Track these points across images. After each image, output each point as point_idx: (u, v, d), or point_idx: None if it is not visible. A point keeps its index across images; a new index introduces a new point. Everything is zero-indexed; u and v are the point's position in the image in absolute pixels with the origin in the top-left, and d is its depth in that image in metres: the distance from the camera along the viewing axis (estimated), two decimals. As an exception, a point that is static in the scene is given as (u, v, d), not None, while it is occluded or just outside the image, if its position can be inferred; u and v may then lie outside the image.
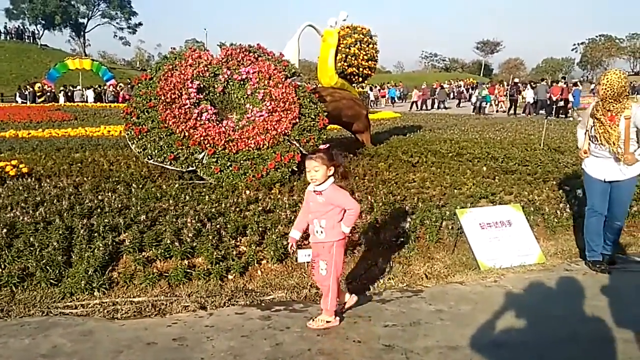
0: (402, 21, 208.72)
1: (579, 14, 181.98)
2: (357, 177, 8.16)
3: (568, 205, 6.86)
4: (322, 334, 3.97)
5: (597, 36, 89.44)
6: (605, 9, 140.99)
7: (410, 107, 37.95)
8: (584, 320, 4.31)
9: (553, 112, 27.68)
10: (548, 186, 7.81)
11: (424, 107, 38.20)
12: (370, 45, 11.07)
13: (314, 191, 3.97)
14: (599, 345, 3.92)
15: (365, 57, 10.97)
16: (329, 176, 3.91)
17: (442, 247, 5.84)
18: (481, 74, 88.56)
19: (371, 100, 40.82)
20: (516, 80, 37.96)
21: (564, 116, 27.62)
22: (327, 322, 4.09)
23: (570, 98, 28.73)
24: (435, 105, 38.57)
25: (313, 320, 4.10)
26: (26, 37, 69.89)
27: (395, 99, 46.94)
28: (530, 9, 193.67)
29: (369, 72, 11.44)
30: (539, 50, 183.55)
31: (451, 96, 44.60)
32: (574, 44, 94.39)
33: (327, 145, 3.97)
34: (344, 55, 10.76)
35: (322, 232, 4.01)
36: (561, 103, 28.64)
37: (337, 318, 4.16)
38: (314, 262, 4.16)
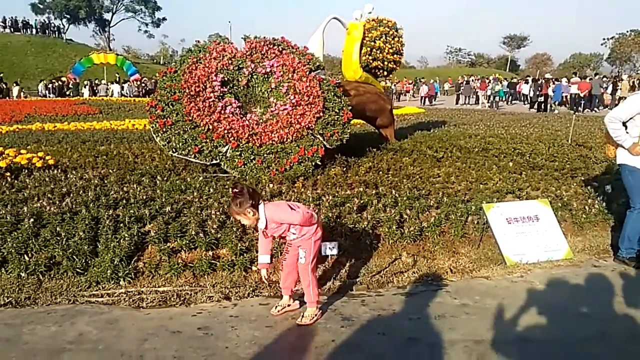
0: (428, 15, 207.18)
1: (609, 7, 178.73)
2: (380, 172, 8.12)
3: (597, 201, 6.74)
4: (347, 326, 3.96)
5: (627, 31, 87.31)
6: (637, 2, 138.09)
7: (422, 102, 37.90)
8: (613, 318, 4.23)
9: (581, 107, 27.52)
10: (576, 182, 7.69)
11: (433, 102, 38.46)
12: (396, 39, 10.95)
13: (262, 230, 3.95)
14: (628, 343, 3.84)
15: (391, 51, 10.85)
16: (256, 211, 3.81)
17: (467, 241, 5.77)
18: (507, 69, 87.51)
19: (394, 93, 40.72)
20: (548, 76, 37.52)
21: (544, 111, 28.13)
22: (315, 314, 4.06)
23: (550, 93, 29.10)
24: (461, 101, 38.26)
25: (302, 317, 4.04)
26: (50, 31, 70.56)
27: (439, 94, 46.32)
28: (558, 2, 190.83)
29: (394, 66, 11.32)
30: (566, 45, 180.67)
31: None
32: (603, 39, 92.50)
33: (234, 191, 3.83)
34: (369, 49, 10.66)
35: (297, 237, 3.99)
36: (541, 98, 29.44)
37: (320, 311, 4.15)
38: (287, 252, 4.12)
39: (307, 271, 4.01)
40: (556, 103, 28.98)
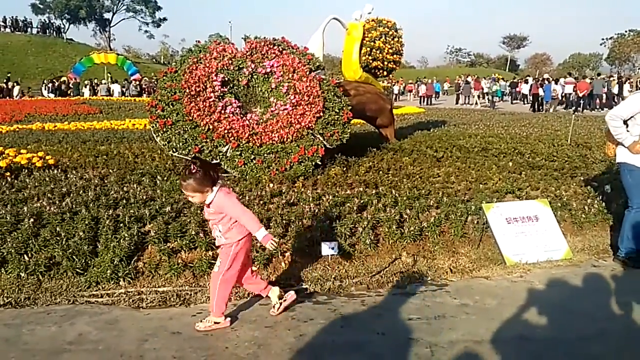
0: (427, 15, 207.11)
1: (608, 7, 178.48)
2: (380, 172, 8.12)
3: (596, 201, 6.73)
4: (346, 326, 3.96)
5: (626, 31, 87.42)
6: (636, 3, 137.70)
7: (421, 102, 38.21)
8: (612, 317, 4.23)
9: (580, 107, 27.64)
10: (575, 182, 7.69)
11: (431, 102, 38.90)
12: (396, 39, 10.96)
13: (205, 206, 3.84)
14: (627, 342, 3.85)
15: (390, 51, 10.86)
16: (210, 191, 3.73)
17: (467, 241, 5.77)
18: (507, 69, 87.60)
19: (395, 94, 40.91)
20: (546, 75, 37.65)
21: (540, 110, 28.63)
22: (216, 322, 3.92)
23: (541, 92, 29.53)
24: (461, 101, 38.33)
25: (202, 321, 3.93)
26: (51, 31, 70.51)
27: (440, 93, 46.50)
28: (558, 3, 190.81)
29: (394, 66, 11.33)
30: (566, 46, 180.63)
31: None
32: (602, 39, 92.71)
33: (196, 168, 3.66)
34: (368, 49, 10.67)
35: (220, 236, 3.88)
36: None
37: (228, 320, 3.98)
38: None
39: (217, 281, 3.87)
40: (549, 103, 29.19)
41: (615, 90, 29.69)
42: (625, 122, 5.26)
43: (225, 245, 3.86)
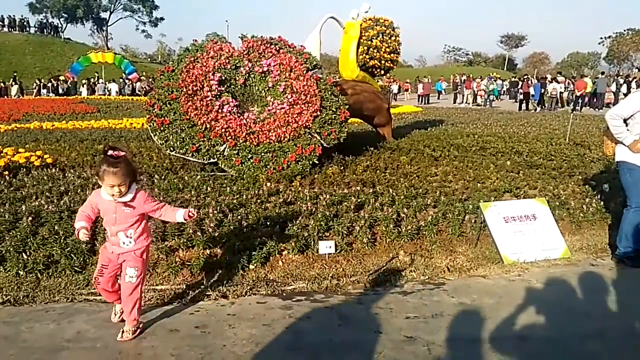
0: (425, 14, 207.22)
1: (607, 6, 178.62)
2: (378, 171, 8.12)
3: (594, 200, 6.75)
4: (344, 325, 3.96)
5: (624, 30, 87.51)
6: (634, 2, 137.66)
7: (418, 101, 38.18)
8: (610, 316, 4.24)
9: (579, 106, 27.75)
10: (573, 181, 7.71)
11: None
12: (393, 38, 10.97)
13: (121, 202, 3.52)
14: (625, 341, 3.85)
15: (388, 50, 10.87)
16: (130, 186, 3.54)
17: (464, 240, 5.78)
18: (505, 68, 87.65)
19: (394, 94, 40.97)
20: (548, 77, 37.69)
21: (526, 109, 29.03)
22: (137, 329, 3.76)
23: (532, 91, 29.91)
24: (458, 100, 38.36)
25: (122, 333, 3.69)
26: (48, 30, 70.33)
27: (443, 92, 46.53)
28: (556, 2, 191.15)
29: (391, 65, 11.35)
30: (564, 44, 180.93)
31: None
32: (601, 38, 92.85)
33: (120, 150, 3.43)
34: (365, 48, 10.69)
35: (130, 242, 3.63)
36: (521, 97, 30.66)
37: (142, 324, 3.82)
38: (104, 268, 3.70)
39: (138, 291, 3.71)
40: (537, 102, 29.38)
41: (624, 89, 29.59)
42: (625, 120, 5.27)
43: (136, 251, 3.66)
